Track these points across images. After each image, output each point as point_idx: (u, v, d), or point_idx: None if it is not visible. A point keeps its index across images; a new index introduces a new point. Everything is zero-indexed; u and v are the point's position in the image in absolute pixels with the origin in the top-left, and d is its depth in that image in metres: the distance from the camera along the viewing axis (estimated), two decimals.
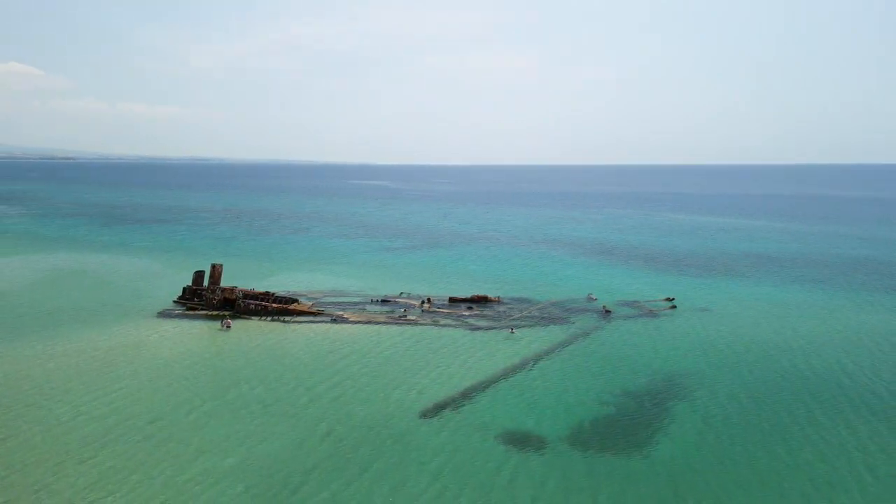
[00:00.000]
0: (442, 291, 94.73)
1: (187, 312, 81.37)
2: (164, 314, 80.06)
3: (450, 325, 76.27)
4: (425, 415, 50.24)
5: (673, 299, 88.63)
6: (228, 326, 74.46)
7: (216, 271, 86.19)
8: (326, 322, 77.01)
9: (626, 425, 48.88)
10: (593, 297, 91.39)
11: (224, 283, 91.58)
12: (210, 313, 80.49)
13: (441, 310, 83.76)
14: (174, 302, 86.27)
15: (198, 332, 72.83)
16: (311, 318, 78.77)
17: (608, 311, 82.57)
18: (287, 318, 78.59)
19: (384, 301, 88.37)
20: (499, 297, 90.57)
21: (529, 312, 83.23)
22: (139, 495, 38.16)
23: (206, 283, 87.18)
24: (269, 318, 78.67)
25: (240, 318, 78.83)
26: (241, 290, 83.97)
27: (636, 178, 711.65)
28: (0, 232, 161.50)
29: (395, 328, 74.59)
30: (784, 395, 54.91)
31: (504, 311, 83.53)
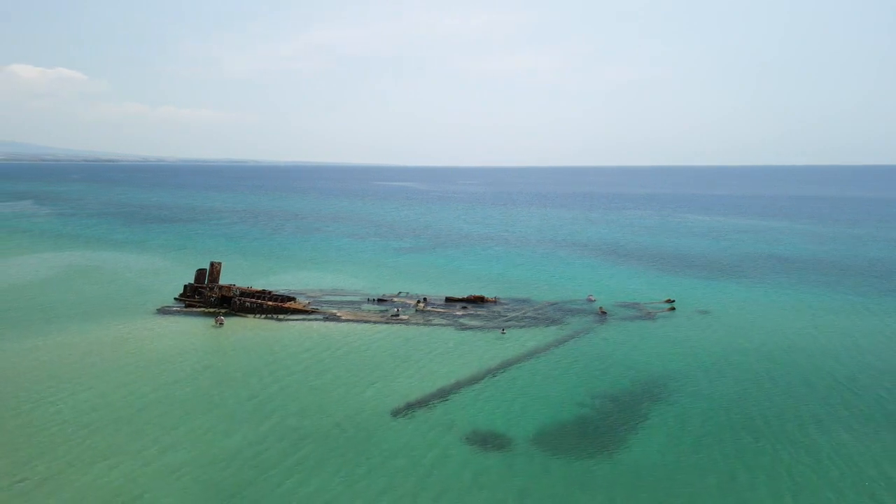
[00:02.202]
0: (443, 291, 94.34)
1: (185, 309, 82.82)
2: (164, 311, 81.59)
3: (441, 325, 75.96)
4: (395, 413, 50.08)
5: (673, 301, 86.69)
6: (221, 324, 75.51)
7: (215, 269, 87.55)
8: (319, 320, 77.48)
9: (598, 428, 47.93)
10: (593, 298, 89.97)
11: (230, 280, 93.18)
12: (207, 310, 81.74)
13: (435, 309, 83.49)
14: (175, 299, 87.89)
15: (191, 328, 73.99)
16: (304, 317, 79.36)
17: (604, 313, 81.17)
18: (281, 316, 79.33)
19: (381, 300, 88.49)
20: (496, 298, 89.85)
21: (524, 313, 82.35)
22: (98, 486, 38.86)
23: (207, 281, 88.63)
24: (263, 316, 79.53)
25: (236, 315, 79.87)
26: (239, 288, 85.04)
27: (659, 180, 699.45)
28: (25, 230, 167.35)
29: (385, 327, 74.61)
30: (768, 401, 53.15)
31: (499, 312, 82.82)
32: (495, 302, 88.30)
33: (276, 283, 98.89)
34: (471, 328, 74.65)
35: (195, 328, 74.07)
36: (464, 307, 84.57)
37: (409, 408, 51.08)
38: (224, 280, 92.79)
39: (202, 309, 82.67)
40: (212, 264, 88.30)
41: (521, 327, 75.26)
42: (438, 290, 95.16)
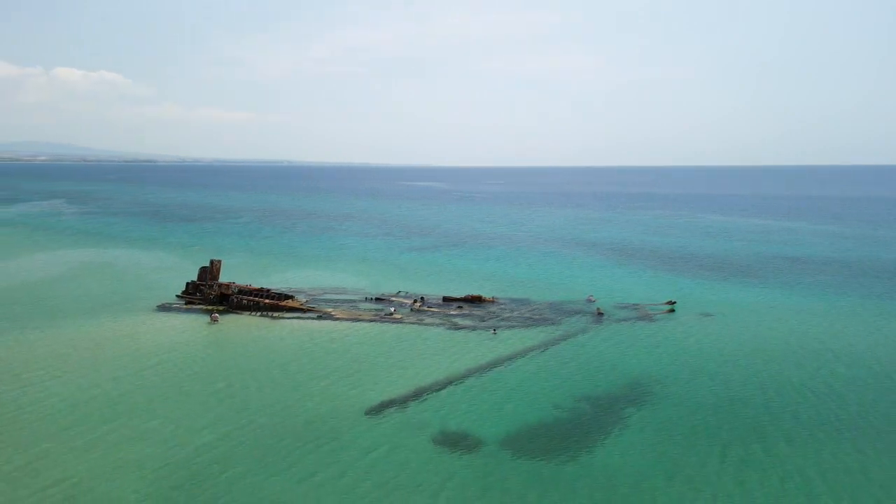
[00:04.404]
0: (445, 290, 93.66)
1: (185, 306, 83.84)
2: (164, 307, 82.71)
3: (433, 325, 75.38)
4: (369, 413, 49.71)
5: (674, 303, 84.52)
6: (216, 321, 76.23)
7: (214, 267, 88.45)
8: (312, 318, 77.63)
9: (572, 431, 46.84)
10: (593, 298, 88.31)
11: (236, 278, 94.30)
12: (206, 308, 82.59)
13: (431, 309, 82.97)
14: (177, 296, 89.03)
15: (186, 325, 74.79)
16: (298, 315, 79.62)
17: (601, 314, 79.57)
18: (276, 314, 79.74)
19: (378, 299, 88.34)
20: (494, 298, 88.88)
21: (520, 313, 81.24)
22: (63, 478, 39.33)
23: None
24: (259, 314, 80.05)
25: (233, 312, 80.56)
26: (237, 286, 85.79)
27: (662, 180, 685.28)
28: (48, 228, 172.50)
29: (377, 326, 74.39)
30: (754, 408, 51.27)
31: (495, 312, 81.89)
32: (493, 302, 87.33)
33: (280, 280, 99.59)
34: (463, 328, 73.92)
35: (189, 325, 74.86)
36: (459, 307, 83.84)
37: (384, 407, 50.67)
38: (230, 277, 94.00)
39: (201, 306, 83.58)
40: (212, 262, 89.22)
41: (514, 328, 74.20)
42: (441, 290, 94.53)
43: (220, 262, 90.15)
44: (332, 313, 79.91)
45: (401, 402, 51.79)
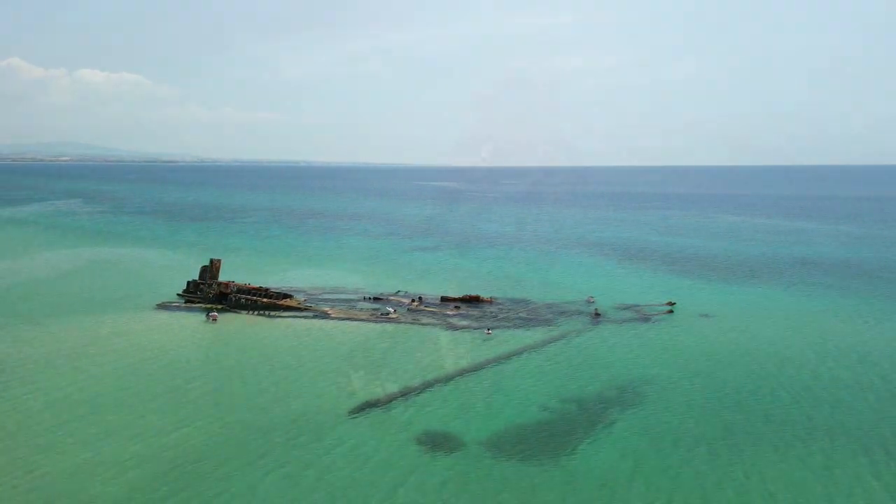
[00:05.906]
0: (443, 290, 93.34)
1: (185, 305, 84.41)
2: (163, 306, 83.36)
3: (429, 325, 75.16)
4: (353, 412, 49.71)
5: (673, 304, 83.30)
6: (214, 319, 76.67)
7: (215, 266, 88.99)
8: (309, 318, 77.77)
9: (557, 433, 46.44)
10: (592, 299, 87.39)
11: (238, 277, 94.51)
12: (206, 307, 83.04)
13: (427, 309, 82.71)
14: (178, 295, 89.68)
15: (183, 324, 75.32)
16: (295, 314, 79.83)
17: (598, 315, 78.65)
18: (273, 313, 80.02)
19: (376, 299, 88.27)
20: (492, 298, 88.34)
21: (517, 314, 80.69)
22: (49, 472, 39.87)
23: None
24: (256, 313, 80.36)
25: (231, 311, 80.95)
26: (237, 285, 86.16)
27: (666, 180, 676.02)
28: (61, 226, 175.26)
29: (372, 325, 74.36)
30: (742, 412, 50.49)
31: (492, 312, 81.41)
32: (491, 302, 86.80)
33: (282, 279, 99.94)
34: (458, 328, 73.63)
35: (186, 324, 75.35)
36: (457, 307, 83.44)
37: (369, 406, 50.64)
38: (235, 276, 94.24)
39: (201, 305, 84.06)
40: (212, 261, 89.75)
41: (510, 328, 73.72)
42: (441, 289, 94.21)
43: (219, 261, 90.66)
44: (329, 312, 80.00)
45: (386, 401, 51.69)
